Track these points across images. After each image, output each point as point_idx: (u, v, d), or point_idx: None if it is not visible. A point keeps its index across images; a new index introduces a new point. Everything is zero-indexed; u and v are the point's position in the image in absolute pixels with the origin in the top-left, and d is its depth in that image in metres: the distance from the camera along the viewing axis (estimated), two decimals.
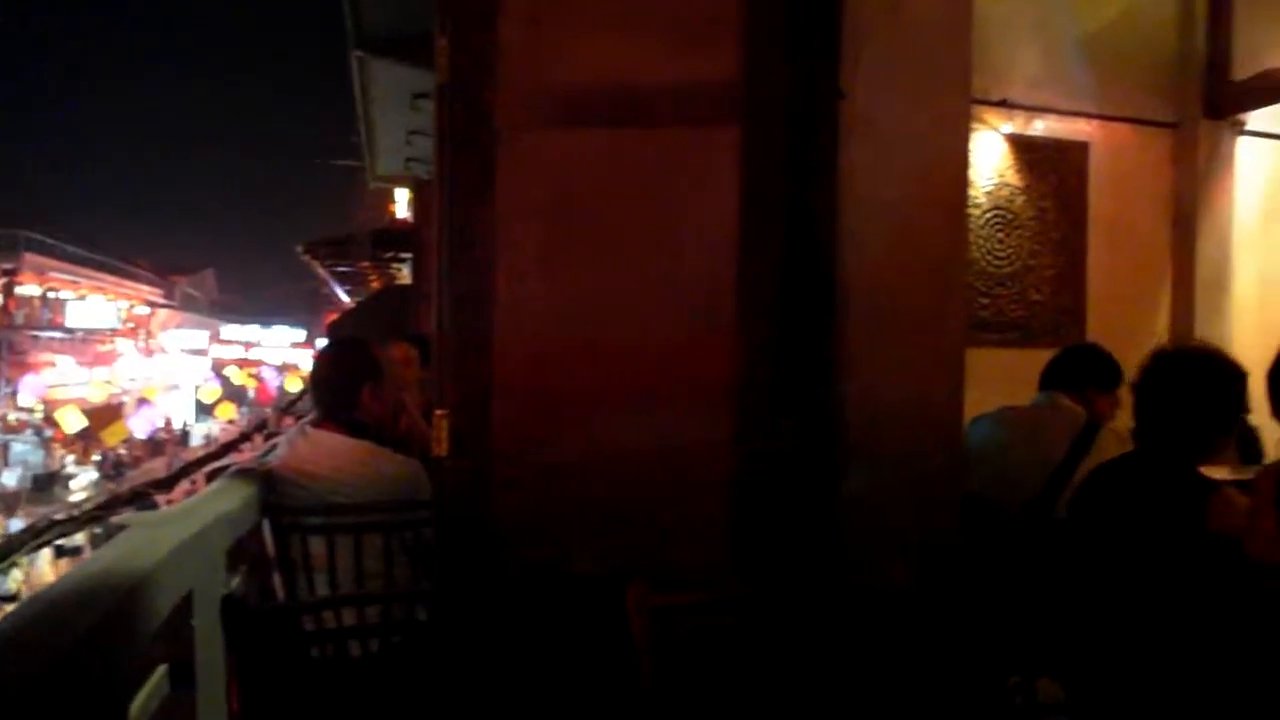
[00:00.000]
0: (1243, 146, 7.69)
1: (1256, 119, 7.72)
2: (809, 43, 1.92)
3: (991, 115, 6.86)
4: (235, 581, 3.00)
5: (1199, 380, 2.04)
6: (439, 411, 2.31)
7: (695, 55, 1.92)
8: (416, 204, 11.44)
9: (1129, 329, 7.26)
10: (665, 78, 1.92)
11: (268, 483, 3.03)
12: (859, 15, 1.93)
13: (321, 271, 16.72)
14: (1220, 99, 7.39)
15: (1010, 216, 6.96)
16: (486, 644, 2.30)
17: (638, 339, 1.93)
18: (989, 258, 6.87)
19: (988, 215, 6.87)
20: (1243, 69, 7.39)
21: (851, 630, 2.15)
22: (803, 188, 1.94)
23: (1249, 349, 1.80)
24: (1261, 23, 7.51)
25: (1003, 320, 6.71)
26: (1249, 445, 7.58)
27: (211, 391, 38.51)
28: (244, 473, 3.17)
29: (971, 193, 6.78)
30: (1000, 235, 6.91)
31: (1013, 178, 6.97)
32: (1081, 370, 2.87)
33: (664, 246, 1.94)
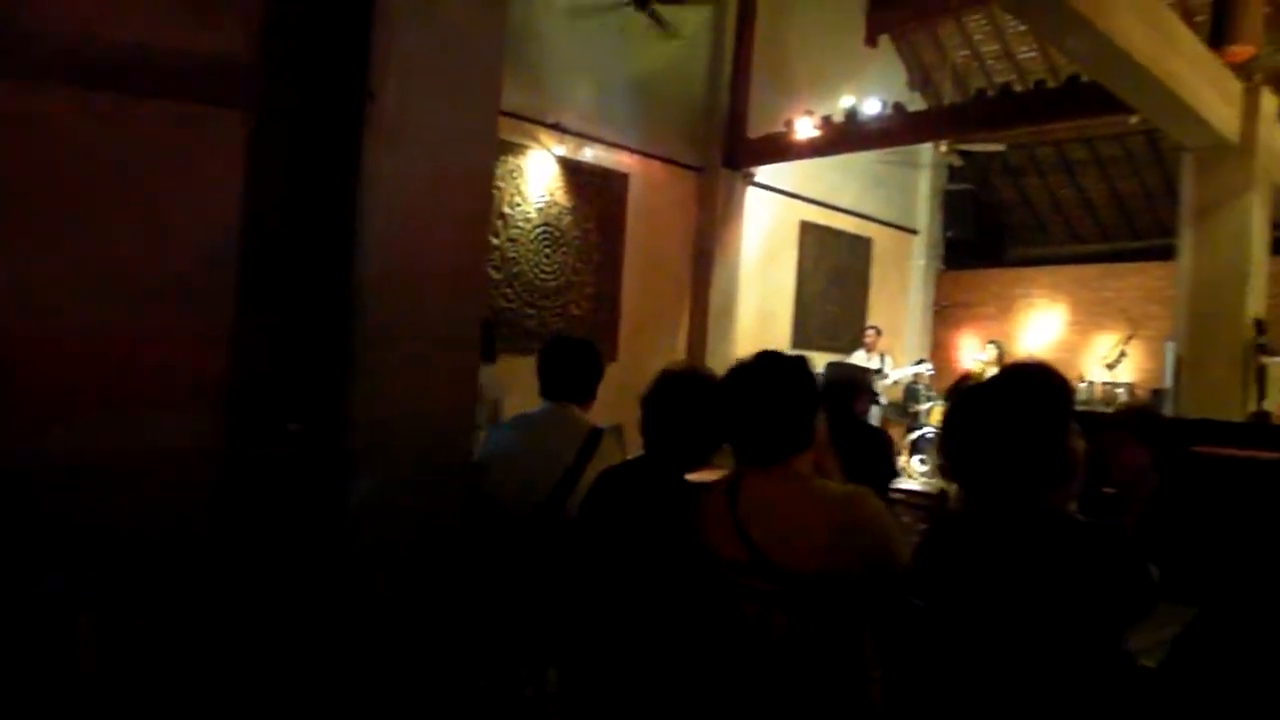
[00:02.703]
0: (751, 196, 8.95)
1: (763, 173, 9.04)
2: (337, 36, 1.86)
3: (546, 137, 7.24)
4: None
5: (691, 397, 2.32)
6: None
7: (205, 26, 1.76)
8: None
9: (654, 345, 8.08)
10: (166, 44, 1.73)
11: None
12: (390, 15, 1.90)
13: None
14: (736, 152, 8.52)
15: (558, 235, 7.38)
16: None
17: (109, 331, 1.70)
18: (536, 271, 7.22)
19: (538, 231, 7.22)
20: (755, 129, 8.59)
21: (354, 638, 2.10)
22: (322, 185, 1.86)
23: None
24: (771, 93, 8.80)
25: (546, 331, 7.07)
26: None
27: None
28: None
29: (524, 208, 7.10)
30: (548, 251, 7.29)
31: (562, 198, 7.40)
32: (591, 382, 3.07)
33: (150, 231, 1.74)
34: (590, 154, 7.61)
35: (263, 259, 1.82)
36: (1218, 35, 5.76)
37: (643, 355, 7.71)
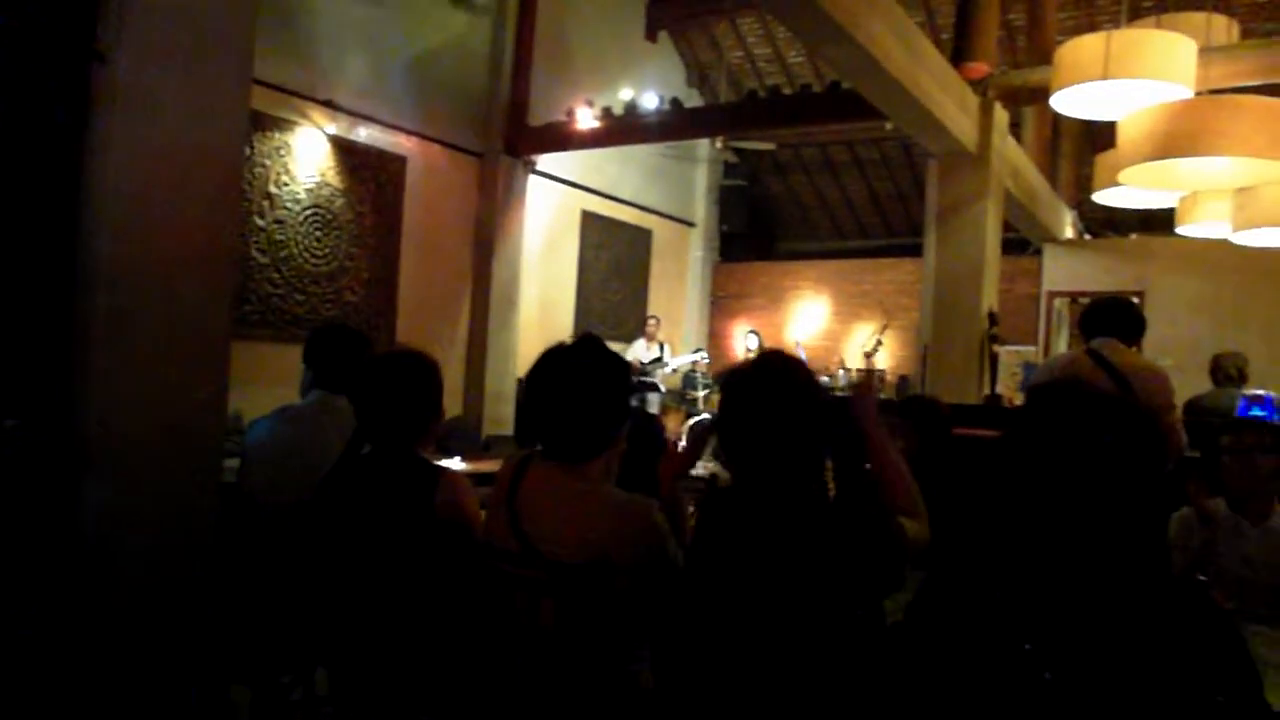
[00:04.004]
0: (533, 184, 8.91)
1: (545, 162, 9.01)
2: None
3: (317, 114, 6.87)
4: None
5: (405, 376, 2.27)
6: None
7: None
8: None
9: (434, 334, 7.89)
10: None
11: None
12: None
13: None
14: (517, 139, 8.45)
15: (330, 217, 7.03)
16: None
17: None
18: (306, 255, 6.85)
19: (307, 213, 6.85)
20: (536, 117, 8.56)
21: (92, 655, 1.91)
22: (41, 159, 1.66)
23: (531, 357, 1.98)
24: (552, 81, 8.79)
25: (316, 318, 6.74)
26: None
27: None
28: None
29: (292, 189, 6.71)
30: (319, 234, 6.94)
31: (335, 179, 7.06)
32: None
33: None
34: (365, 134, 7.31)
35: None
36: (958, 54, 6.31)
37: (423, 344, 7.40)
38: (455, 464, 4.86)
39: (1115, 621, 1.21)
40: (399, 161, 7.61)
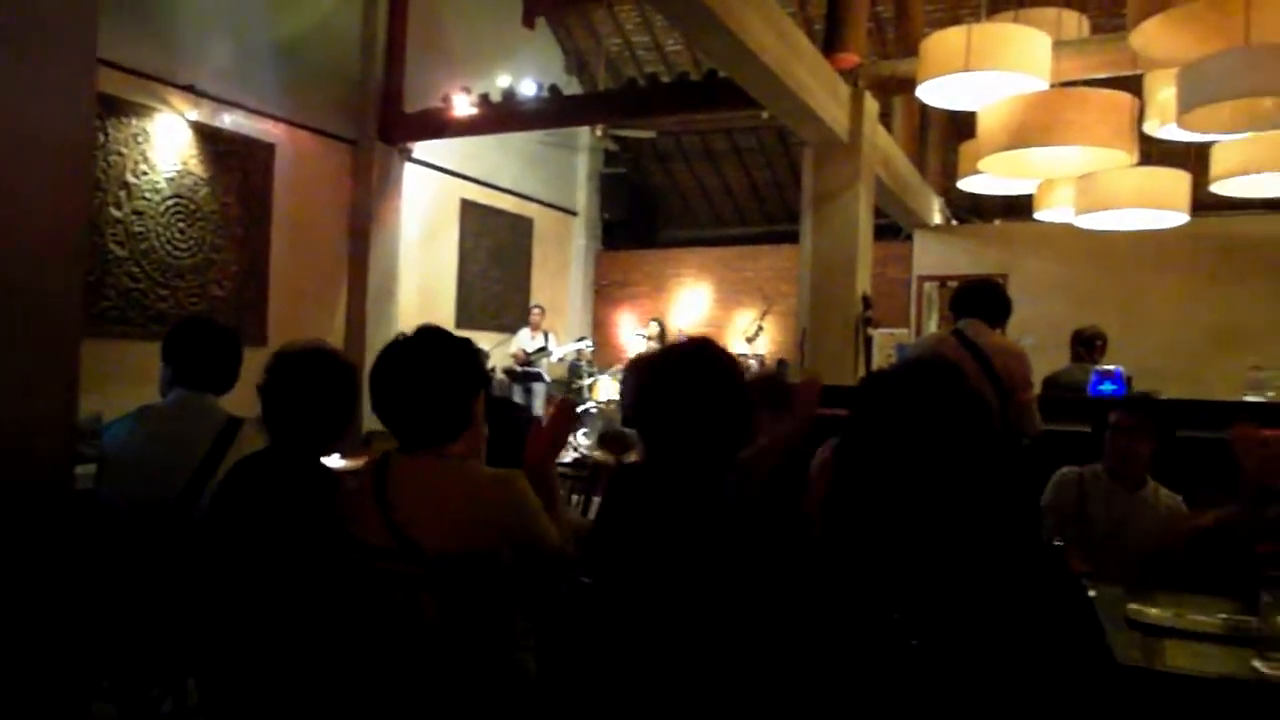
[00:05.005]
0: (410, 172, 8.72)
1: (421, 150, 8.83)
2: None
3: (177, 99, 6.55)
4: None
5: (319, 376, 2.19)
6: None
7: None
8: None
9: (310, 327, 7.60)
10: None
11: None
12: None
13: None
14: (391, 126, 8.24)
15: (193, 208, 6.71)
16: None
17: None
18: (169, 248, 6.52)
19: (169, 203, 6.52)
20: (411, 103, 8.37)
21: None
22: None
23: None
24: (427, 67, 8.60)
25: (181, 312, 6.43)
26: None
27: None
28: None
29: (151, 178, 6.38)
30: (182, 226, 6.61)
31: (198, 168, 6.74)
32: (230, 367, 2.82)
33: None
34: (230, 120, 7.01)
35: None
36: (829, 44, 6.47)
37: (298, 338, 7.16)
38: (335, 460, 4.72)
39: (974, 589, 1.27)
40: (267, 149, 7.33)
